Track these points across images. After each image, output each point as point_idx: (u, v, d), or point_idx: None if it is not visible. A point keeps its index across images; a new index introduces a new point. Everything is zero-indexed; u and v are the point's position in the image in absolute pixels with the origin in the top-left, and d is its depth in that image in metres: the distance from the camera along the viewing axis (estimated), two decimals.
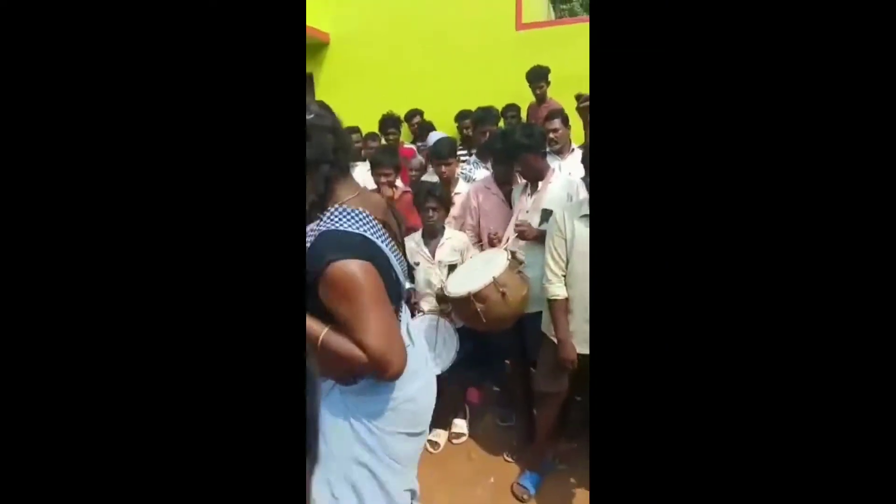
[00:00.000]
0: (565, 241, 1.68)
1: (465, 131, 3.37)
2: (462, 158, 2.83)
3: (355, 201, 0.99)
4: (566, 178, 2.01)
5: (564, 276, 1.70)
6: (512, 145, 2.00)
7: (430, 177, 2.69)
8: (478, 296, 1.69)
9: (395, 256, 1.02)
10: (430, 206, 2.08)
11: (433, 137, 2.86)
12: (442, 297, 2.09)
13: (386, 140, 3.24)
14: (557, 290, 1.70)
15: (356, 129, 3.09)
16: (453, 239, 2.18)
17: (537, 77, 3.35)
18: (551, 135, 2.34)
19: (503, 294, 1.69)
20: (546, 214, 1.89)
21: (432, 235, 2.18)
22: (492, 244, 2.08)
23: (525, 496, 1.87)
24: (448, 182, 2.40)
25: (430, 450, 2.19)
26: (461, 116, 3.45)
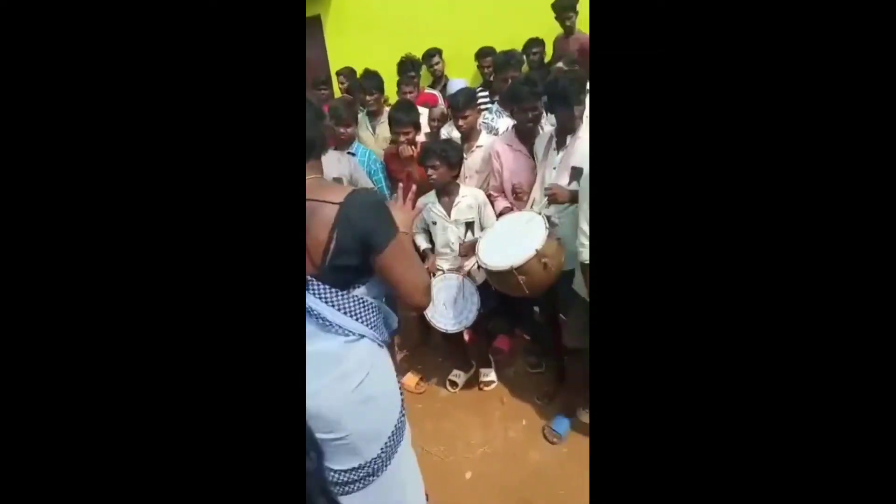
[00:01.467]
0: None
1: (486, 70, 3.21)
2: (483, 106, 2.73)
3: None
4: None
5: None
6: (534, 94, 1.90)
7: (450, 128, 2.63)
8: (521, 269, 1.68)
9: None
10: (430, 164, 2.05)
11: (453, 86, 2.75)
12: (465, 255, 2.12)
13: (404, 86, 3.10)
14: None
15: (376, 74, 2.94)
16: (469, 196, 2.16)
17: (565, 7, 3.09)
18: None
19: (545, 265, 1.68)
20: (577, 173, 1.81)
21: (447, 194, 2.16)
22: (518, 198, 2.05)
23: (555, 439, 1.99)
24: (468, 135, 2.33)
25: (449, 388, 2.33)
26: (482, 54, 3.26)
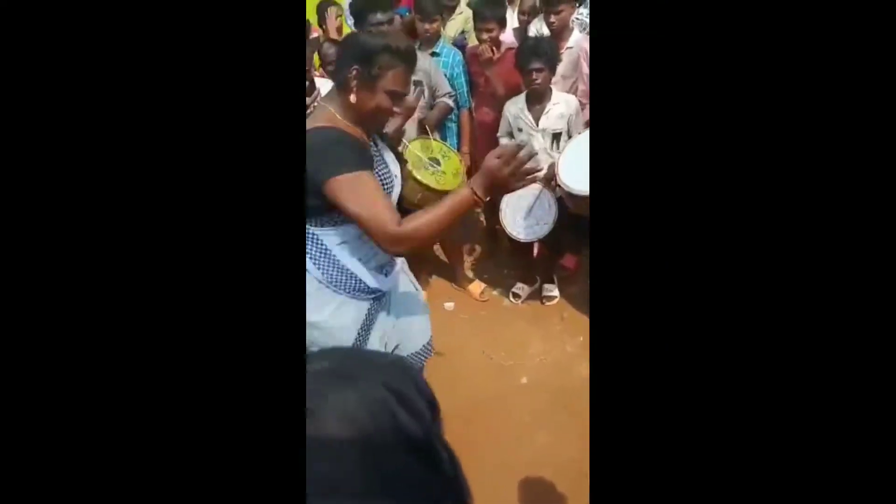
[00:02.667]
0: None
1: None
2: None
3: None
4: None
5: None
6: None
7: (540, 23, 2.39)
8: None
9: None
10: (535, 67, 1.88)
11: None
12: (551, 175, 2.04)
13: None
14: None
15: None
16: (561, 104, 2.01)
17: None
18: None
19: None
20: None
21: (538, 100, 2.02)
22: None
23: None
24: (559, 33, 2.12)
25: (512, 300, 2.38)
26: None
